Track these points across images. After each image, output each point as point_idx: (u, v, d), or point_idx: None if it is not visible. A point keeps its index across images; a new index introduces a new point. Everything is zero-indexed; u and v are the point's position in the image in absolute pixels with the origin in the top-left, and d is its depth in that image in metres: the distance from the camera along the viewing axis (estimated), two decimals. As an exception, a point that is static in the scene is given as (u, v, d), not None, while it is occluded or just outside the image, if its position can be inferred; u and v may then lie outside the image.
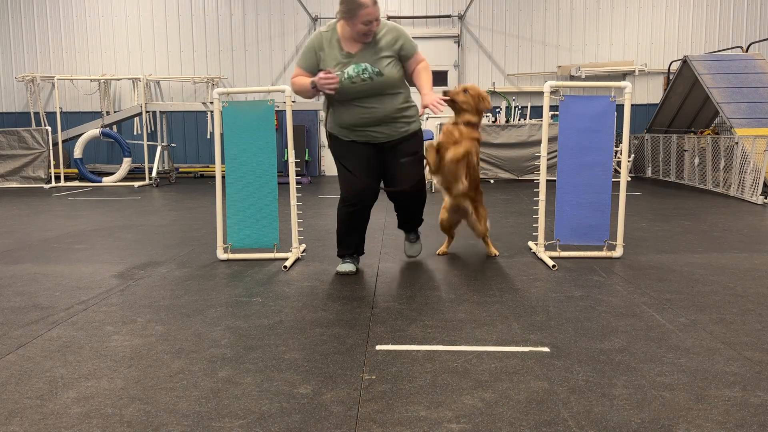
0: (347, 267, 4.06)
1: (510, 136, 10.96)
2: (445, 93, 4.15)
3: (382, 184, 4.11)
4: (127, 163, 11.37)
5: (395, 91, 3.87)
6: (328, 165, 13.28)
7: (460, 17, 12.87)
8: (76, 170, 11.65)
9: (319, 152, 13.27)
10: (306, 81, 3.80)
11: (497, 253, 4.62)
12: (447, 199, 4.51)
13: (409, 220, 4.36)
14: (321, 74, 3.67)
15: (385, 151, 3.99)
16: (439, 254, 4.64)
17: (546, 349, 2.68)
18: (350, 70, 3.76)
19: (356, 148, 3.95)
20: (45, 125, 12.33)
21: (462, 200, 4.40)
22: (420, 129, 4.09)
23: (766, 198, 7.64)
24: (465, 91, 4.22)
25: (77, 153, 11.17)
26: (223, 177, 4.55)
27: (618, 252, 4.54)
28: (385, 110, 3.84)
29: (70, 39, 13.25)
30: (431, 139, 10.75)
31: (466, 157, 4.15)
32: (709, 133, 9.97)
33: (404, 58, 3.89)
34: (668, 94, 11.04)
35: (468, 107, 4.21)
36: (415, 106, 4.02)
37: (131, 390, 2.29)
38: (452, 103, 4.22)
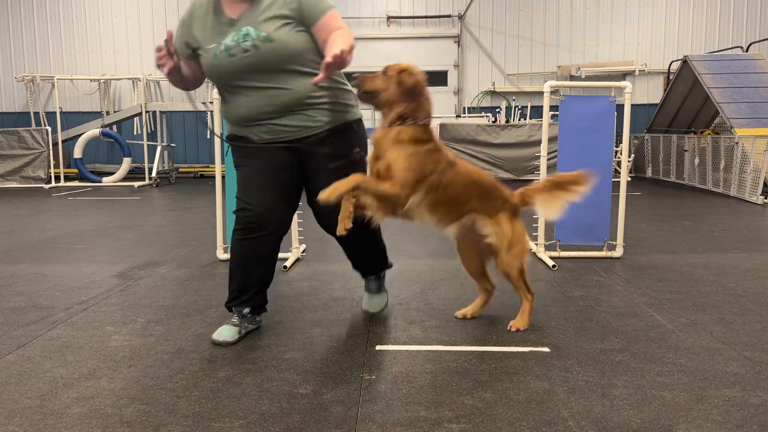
0: (225, 332, 2.78)
1: (510, 136, 10.96)
2: (355, 85, 2.78)
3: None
4: (127, 163, 11.37)
5: (303, 66, 2.67)
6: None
7: (460, 17, 12.87)
8: (76, 170, 11.65)
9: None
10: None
11: (521, 327, 2.94)
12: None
13: (362, 260, 3.12)
14: (161, 49, 2.66)
15: (305, 155, 2.78)
16: (460, 317, 3.15)
17: (546, 349, 2.68)
18: (228, 39, 2.66)
19: (260, 153, 2.76)
20: (45, 125, 12.33)
21: (450, 219, 2.87)
22: (359, 120, 2.91)
23: (766, 198, 7.64)
24: (384, 73, 2.74)
25: (77, 153, 11.17)
26: (223, 177, 4.54)
27: (618, 252, 4.54)
28: (291, 92, 2.67)
29: (70, 39, 13.25)
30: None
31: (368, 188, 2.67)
32: (709, 133, 9.97)
33: (308, 20, 2.65)
34: (668, 94, 11.04)
35: (391, 95, 2.71)
36: (347, 87, 2.87)
37: (131, 390, 2.29)
38: (368, 96, 2.76)
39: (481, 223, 2.87)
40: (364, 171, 2.79)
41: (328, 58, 2.41)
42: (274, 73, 2.65)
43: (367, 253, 3.08)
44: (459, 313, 3.14)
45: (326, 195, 2.58)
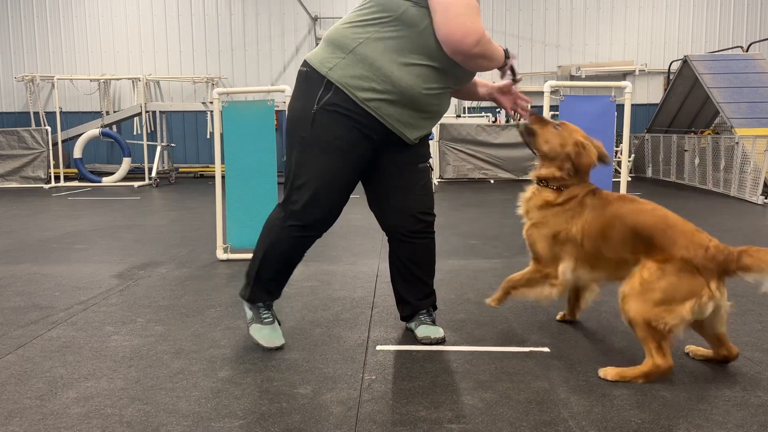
0: (273, 333, 2.69)
1: (510, 136, 10.96)
2: (528, 118, 2.74)
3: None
4: (126, 163, 11.37)
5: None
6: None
7: (460, 17, 12.86)
8: (75, 170, 11.65)
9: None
10: (497, 47, 2.46)
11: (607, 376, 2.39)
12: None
13: (424, 282, 2.78)
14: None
15: (391, 152, 2.56)
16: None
17: (546, 349, 2.67)
18: None
19: (361, 146, 2.45)
20: (45, 125, 12.34)
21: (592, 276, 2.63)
22: None
23: (766, 198, 7.64)
24: (557, 127, 2.65)
25: (77, 153, 11.17)
26: (223, 177, 4.54)
27: (618, 252, 4.53)
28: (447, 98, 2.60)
29: (70, 39, 13.25)
30: (431, 138, 10.75)
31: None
32: (709, 133, 9.98)
33: None
34: (668, 94, 11.04)
35: (553, 155, 2.63)
36: None
37: (131, 390, 2.29)
38: (529, 134, 2.71)
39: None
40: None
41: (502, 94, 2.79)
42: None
43: (432, 264, 2.78)
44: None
45: (498, 299, 2.76)
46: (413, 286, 2.77)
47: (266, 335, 2.67)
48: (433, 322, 2.80)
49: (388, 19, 2.33)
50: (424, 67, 2.36)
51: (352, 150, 2.43)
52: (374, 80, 2.33)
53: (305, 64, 2.48)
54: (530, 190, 2.70)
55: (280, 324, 2.81)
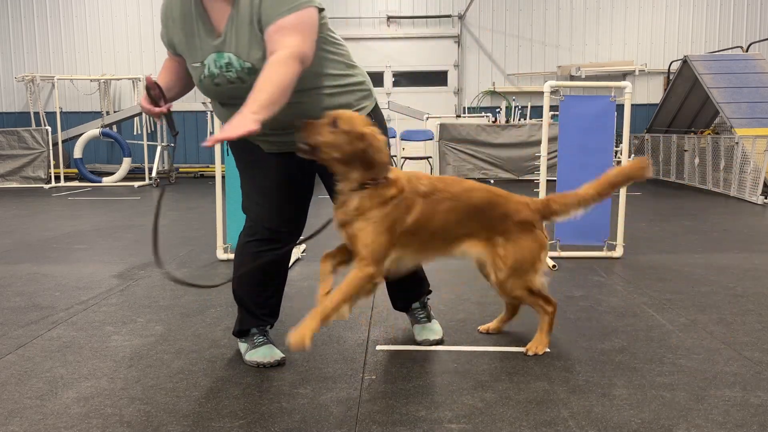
0: (273, 353, 2.53)
1: (510, 136, 10.96)
2: (298, 135, 2.24)
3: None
4: (126, 163, 11.37)
5: (302, 84, 2.18)
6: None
7: (460, 17, 12.87)
8: (75, 170, 11.65)
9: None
10: (160, 73, 2.45)
11: (538, 351, 2.62)
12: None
13: (405, 287, 2.77)
14: (144, 99, 2.35)
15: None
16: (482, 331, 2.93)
17: (546, 349, 2.67)
18: (211, 64, 2.25)
19: (270, 161, 2.45)
20: (45, 125, 12.33)
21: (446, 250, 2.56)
22: (376, 106, 2.57)
23: (766, 198, 7.64)
24: (333, 125, 2.22)
25: (77, 153, 11.16)
26: (223, 177, 4.54)
27: (618, 252, 4.54)
28: (294, 111, 2.22)
29: (70, 39, 13.25)
30: (431, 138, 10.77)
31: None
32: (709, 133, 9.97)
33: (263, 26, 2.15)
34: (668, 94, 11.04)
35: (345, 157, 2.26)
36: (355, 74, 2.46)
37: (131, 390, 2.29)
38: (311, 151, 2.25)
39: (470, 251, 2.52)
40: (388, 155, 2.38)
41: (216, 135, 1.99)
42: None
43: (409, 277, 2.67)
44: (482, 328, 2.91)
45: (299, 340, 2.17)
46: (404, 278, 2.65)
47: (263, 353, 2.51)
48: (428, 318, 2.83)
49: None
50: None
51: (262, 161, 2.45)
52: None
53: None
54: (355, 198, 2.32)
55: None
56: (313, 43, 2.17)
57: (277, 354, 2.53)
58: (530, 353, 2.61)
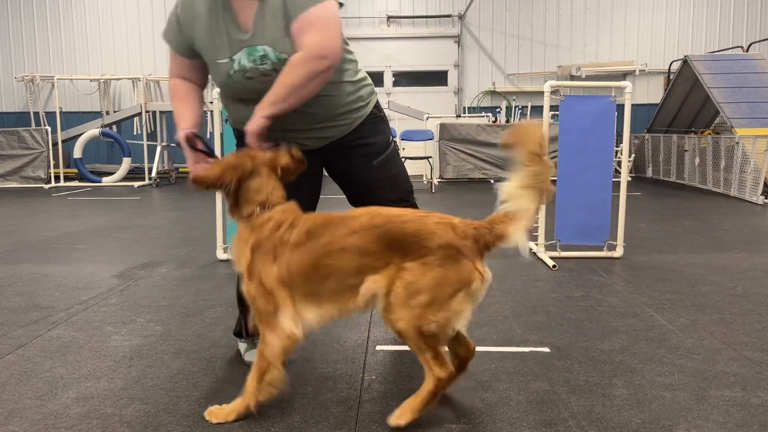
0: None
1: (510, 136, 10.94)
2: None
3: None
4: (126, 163, 11.37)
5: (334, 76, 2.25)
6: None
7: (460, 17, 12.87)
8: (75, 170, 11.65)
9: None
10: (180, 106, 2.36)
11: (400, 423, 2.01)
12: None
13: None
14: (190, 157, 2.28)
15: (335, 155, 2.46)
16: None
17: (546, 350, 2.68)
18: (244, 59, 2.24)
19: None
20: (45, 125, 12.33)
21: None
22: (377, 102, 2.55)
23: (766, 198, 7.64)
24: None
25: (77, 153, 11.16)
26: (223, 177, 4.54)
27: (618, 252, 4.54)
28: (317, 112, 2.32)
29: (70, 39, 13.25)
30: (432, 138, 10.77)
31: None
32: (709, 133, 9.97)
33: (287, 20, 2.17)
34: (668, 94, 11.04)
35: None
36: (360, 68, 2.49)
37: (131, 390, 2.29)
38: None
39: (367, 287, 1.97)
40: (401, 162, 2.52)
41: (250, 126, 2.09)
42: None
43: None
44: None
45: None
46: None
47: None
48: None
49: None
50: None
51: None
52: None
53: None
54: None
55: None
56: (337, 35, 2.16)
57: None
58: (390, 423, 2.00)
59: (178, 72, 2.38)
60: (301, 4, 2.13)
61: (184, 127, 2.29)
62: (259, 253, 2.00)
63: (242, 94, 2.32)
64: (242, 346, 2.62)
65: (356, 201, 2.56)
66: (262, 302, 1.99)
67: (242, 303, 2.55)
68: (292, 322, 1.99)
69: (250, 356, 2.50)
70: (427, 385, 1.99)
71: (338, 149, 2.45)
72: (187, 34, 2.29)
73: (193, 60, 2.34)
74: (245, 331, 2.60)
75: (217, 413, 2.06)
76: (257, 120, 2.10)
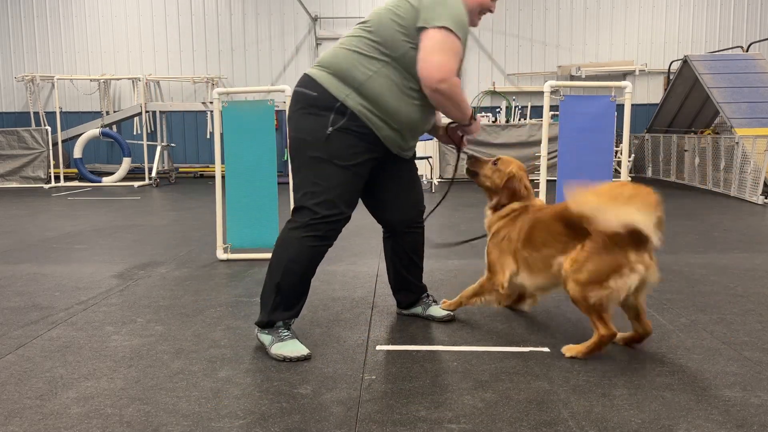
0: (300, 348, 2.60)
1: (510, 136, 10.96)
2: (467, 162, 3.09)
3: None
4: (126, 163, 11.37)
5: None
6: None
7: (460, 17, 12.86)
8: (75, 170, 11.65)
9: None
10: (467, 104, 2.73)
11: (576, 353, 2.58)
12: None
13: (420, 267, 3.11)
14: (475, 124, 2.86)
15: (391, 160, 2.79)
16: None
17: (546, 349, 2.68)
18: None
19: (369, 162, 2.67)
20: (45, 125, 12.33)
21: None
22: None
23: (766, 198, 7.64)
24: (495, 163, 3.00)
25: (77, 153, 11.17)
26: (223, 177, 4.54)
27: (618, 252, 4.53)
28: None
29: (70, 39, 13.25)
30: (432, 138, 10.75)
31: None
32: (709, 133, 9.98)
33: (416, 27, 2.55)
34: (668, 94, 11.04)
35: (495, 187, 3.00)
36: None
37: (131, 390, 2.29)
38: (472, 174, 3.05)
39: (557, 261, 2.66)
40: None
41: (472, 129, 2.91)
42: None
43: (422, 252, 3.08)
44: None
45: (451, 306, 3.05)
46: (414, 273, 3.06)
47: (291, 348, 2.57)
48: (435, 302, 3.15)
49: (391, 59, 2.54)
50: (422, 102, 2.62)
51: (362, 164, 2.62)
52: (383, 113, 2.57)
53: (310, 86, 2.58)
54: (488, 215, 3.02)
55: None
56: None
57: (303, 349, 2.59)
58: (563, 352, 2.61)
59: (455, 70, 2.56)
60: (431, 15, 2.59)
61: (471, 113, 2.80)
62: (505, 222, 2.91)
63: None
64: (266, 338, 2.63)
65: (387, 202, 2.89)
66: (494, 256, 2.90)
67: (282, 293, 2.61)
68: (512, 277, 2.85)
69: (279, 349, 2.56)
70: (593, 339, 2.54)
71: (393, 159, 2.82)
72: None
73: None
74: (268, 323, 2.64)
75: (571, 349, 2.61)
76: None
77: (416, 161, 3.02)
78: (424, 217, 3.02)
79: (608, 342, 2.54)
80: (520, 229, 2.81)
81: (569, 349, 2.59)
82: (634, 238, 2.38)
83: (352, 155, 2.57)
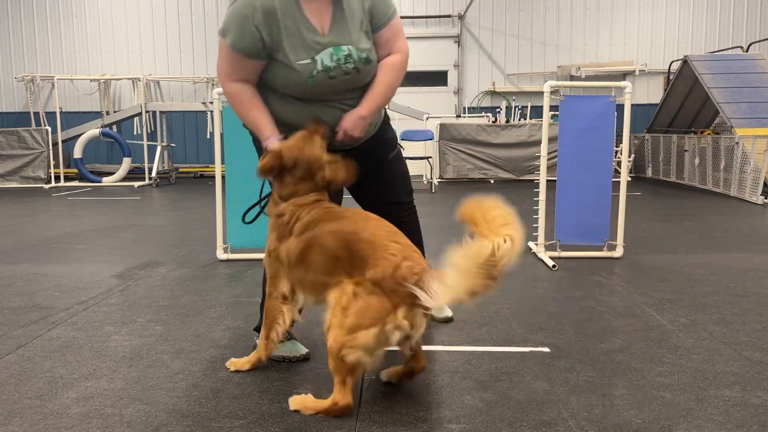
0: (298, 348, 2.60)
1: (510, 136, 10.96)
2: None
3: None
4: (126, 163, 11.37)
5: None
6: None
7: (460, 17, 12.87)
8: (75, 170, 11.65)
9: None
10: (256, 114, 2.41)
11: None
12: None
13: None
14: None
15: (362, 155, 2.56)
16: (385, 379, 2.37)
17: (546, 350, 2.68)
18: (326, 59, 2.33)
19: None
20: (45, 125, 12.33)
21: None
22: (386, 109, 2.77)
23: (766, 198, 7.64)
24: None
25: (77, 153, 11.16)
26: (223, 177, 4.54)
27: (618, 252, 4.54)
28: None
29: (70, 39, 13.25)
30: (431, 138, 10.77)
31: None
32: (709, 133, 9.97)
33: (374, 24, 2.42)
34: (668, 94, 11.04)
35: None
36: None
37: (131, 390, 2.29)
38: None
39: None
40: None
41: (349, 130, 2.37)
42: (360, 91, 2.44)
43: (420, 239, 2.83)
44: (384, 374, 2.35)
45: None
46: None
47: (289, 348, 2.58)
48: None
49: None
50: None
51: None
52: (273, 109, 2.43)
53: None
54: None
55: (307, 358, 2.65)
56: None
57: (302, 349, 2.60)
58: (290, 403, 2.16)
59: (242, 75, 2.36)
60: (389, 13, 2.42)
61: (269, 134, 2.39)
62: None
63: (318, 95, 2.39)
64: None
65: (370, 200, 2.70)
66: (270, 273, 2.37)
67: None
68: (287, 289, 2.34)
69: (277, 351, 2.54)
70: (327, 401, 2.09)
71: (367, 145, 2.58)
72: (262, 34, 2.28)
73: (260, 61, 2.34)
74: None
75: (235, 362, 2.46)
76: (358, 120, 2.37)
77: (416, 161, 2.95)
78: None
79: (341, 412, 2.07)
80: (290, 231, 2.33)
81: None
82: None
83: None
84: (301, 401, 2.13)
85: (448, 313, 3.08)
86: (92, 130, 11.29)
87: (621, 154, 4.59)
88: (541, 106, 4.47)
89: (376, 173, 2.65)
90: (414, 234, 2.79)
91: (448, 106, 13.04)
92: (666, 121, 11.54)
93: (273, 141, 2.36)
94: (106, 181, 11.16)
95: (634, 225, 5.97)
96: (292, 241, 2.23)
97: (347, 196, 2.66)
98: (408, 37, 2.58)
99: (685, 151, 10.05)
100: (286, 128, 2.42)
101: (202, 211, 7.34)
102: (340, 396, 2.05)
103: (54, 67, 13.20)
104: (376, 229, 2.12)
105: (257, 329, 2.68)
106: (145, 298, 3.55)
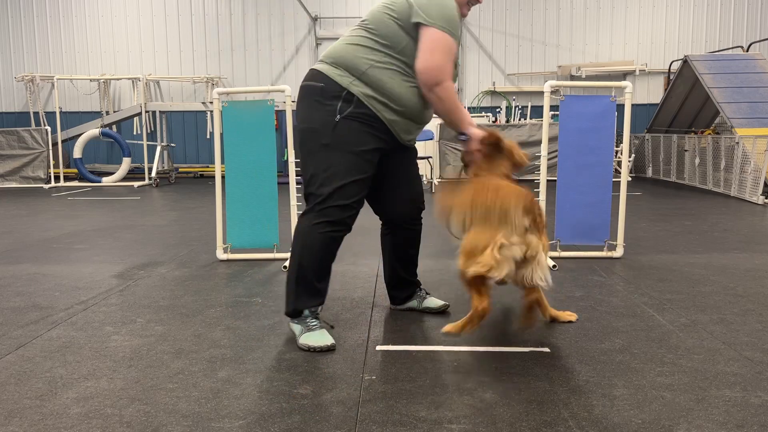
0: (325, 338, 2.68)
1: (510, 136, 10.95)
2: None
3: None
4: (126, 163, 11.37)
5: None
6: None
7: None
8: (75, 170, 11.65)
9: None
10: (461, 106, 2.84)
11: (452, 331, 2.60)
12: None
13: (415, 263, 3.19)
14: (478, 133, 2.84)
15: (396, 149, 2.87)
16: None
17: (546, 349, 2.67)
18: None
19: (377, 149, 2.74)
20: (44, 125, 12.33)
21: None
22: None
23: (766, 198, 7.64)
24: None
25: (77, 153, 11.17)
26: (223, 177, 4.54)
27: (618, 252, 4.54)
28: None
29: (70, 39, 13.25)
30: (432, 138, 10.78)
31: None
32: (709, 133, 9.97)
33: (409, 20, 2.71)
34: (668, 94, 11.04)
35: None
36: None
37: (131, 390, 2.29)
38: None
39: None
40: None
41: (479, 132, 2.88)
42: None
43: (417, 255, 3.17)
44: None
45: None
46: (409, 269, 3.15)
47: (316, 338, 2.66)
48: (428, 293, 3.26)
49: (391, 50, 2.66)
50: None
51: (371, 152, 2.70)
52: (386, 97, 2.66)
53: (317, 78, 2.70)
54: None
55: (333, 328, 2.92)
56: None
57: (329, 339, 2.67)
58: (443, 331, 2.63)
59: (451, 73, 2.77)
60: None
61: (471, 122, 2.88)
62: None
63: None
64: (297, 327, 2.73)
65: (389, 196, 2.96)
66: None
67: (304, 281, 2.70)
68: None
69: (306, 339, 2.67)
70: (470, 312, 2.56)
71: (403, 147, 2.90)
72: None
73: None
74: (296, 311, 2.73)
75: (450, 328, 2.59)
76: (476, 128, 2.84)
77: (417, 161, 3.06)
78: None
79: (480, 315, 2.57)
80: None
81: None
82: None
83: (361, 142, 2.66)
84: (451, 325, 2.58)
85: (440, 304, 3.20)
86: (92, 130, 11.29)
87: (621, 154, 4.58)
88: (541, 106, 4.48)
89: (409, 173, 3.00)
90: (416, 246, 3.14)
91: (448, 106, 13.03)
92: (666, 121, 11.55)
93: (474, 129, 2.83)
94: (106, 181, 11.17)
95: (634, 225, 5.97)
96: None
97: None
98: (408, 37, 2.70)
99: (686, 151, 10.05)
100: (414, 114, 2.77)
101: (201, 211, 7.34)
102: (476, 301, 2.53)
103: (54, 67, 13.21)
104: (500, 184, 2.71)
105: (289, 314, 2.76)
106: (144, 298, 3.55)
